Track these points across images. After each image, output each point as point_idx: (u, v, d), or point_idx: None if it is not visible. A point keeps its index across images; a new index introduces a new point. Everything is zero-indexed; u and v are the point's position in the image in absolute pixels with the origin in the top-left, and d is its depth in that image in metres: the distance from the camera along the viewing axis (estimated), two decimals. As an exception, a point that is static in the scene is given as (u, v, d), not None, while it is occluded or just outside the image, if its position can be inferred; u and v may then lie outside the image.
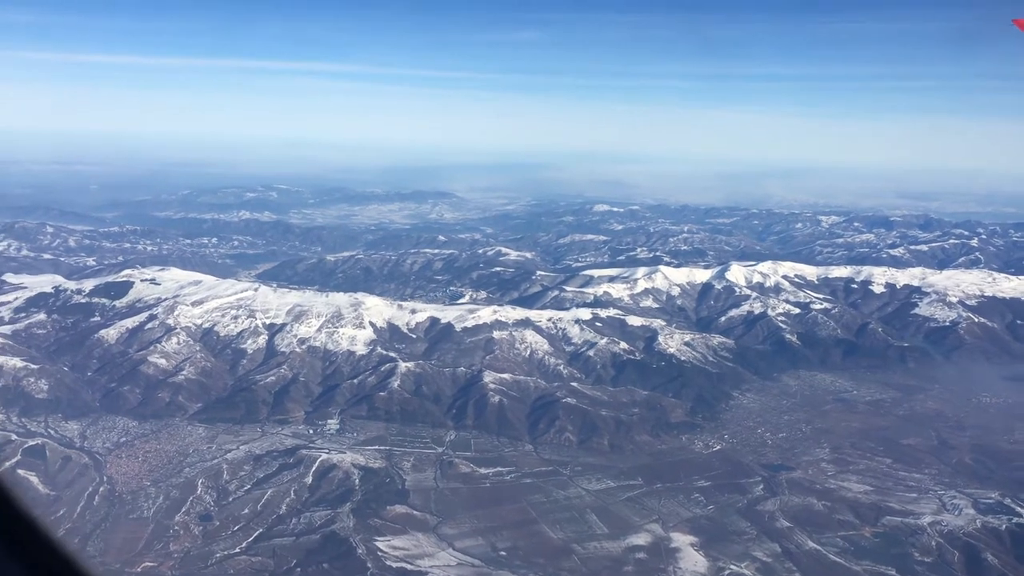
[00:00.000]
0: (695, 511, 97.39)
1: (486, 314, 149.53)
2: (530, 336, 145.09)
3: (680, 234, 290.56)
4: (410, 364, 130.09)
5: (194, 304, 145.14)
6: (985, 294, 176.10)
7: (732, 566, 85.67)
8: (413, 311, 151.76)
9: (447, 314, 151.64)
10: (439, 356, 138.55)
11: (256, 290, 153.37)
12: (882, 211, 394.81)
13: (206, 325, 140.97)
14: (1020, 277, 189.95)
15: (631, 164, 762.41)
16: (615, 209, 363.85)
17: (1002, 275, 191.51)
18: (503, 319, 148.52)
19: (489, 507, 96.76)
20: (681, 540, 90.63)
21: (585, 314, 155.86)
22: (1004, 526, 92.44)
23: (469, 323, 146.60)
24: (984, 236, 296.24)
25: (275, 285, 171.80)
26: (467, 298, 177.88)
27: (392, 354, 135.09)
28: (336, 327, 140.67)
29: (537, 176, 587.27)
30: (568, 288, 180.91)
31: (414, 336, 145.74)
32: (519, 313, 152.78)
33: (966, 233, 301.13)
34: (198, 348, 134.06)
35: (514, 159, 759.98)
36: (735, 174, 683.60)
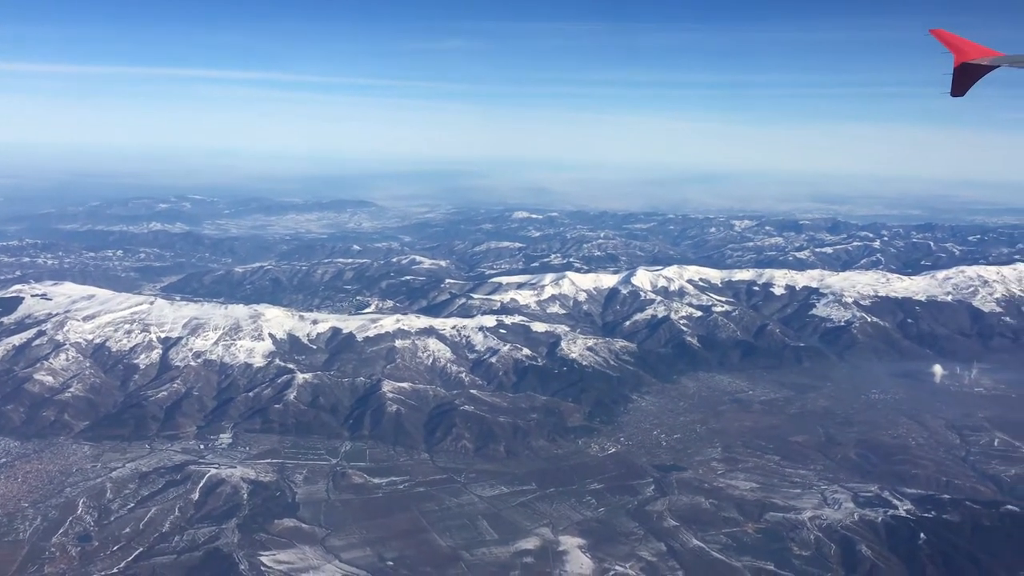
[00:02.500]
0: (586, 514, 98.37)
1: (389, 323, 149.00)
2: (433, 344, 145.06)
3: (595, 240, 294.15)
4: (308, 375, 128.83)
5: (86, 319, 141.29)
6: (879, 294, 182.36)
7: (617, 567, 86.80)
8: (315, 322, 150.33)
9: (349, 324, 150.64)
10: (339, 367, 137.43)
11: (152, 303, 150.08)
12: (793, 215, 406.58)
13: (97, 340, 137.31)
14: (912, 277, 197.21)
15: (556, 171, 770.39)
16: (534, 216, 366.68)
17: (895, 275, 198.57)
18: (406, 328, 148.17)
19: (380, 517, 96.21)
20: (569, 543, 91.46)
21: (490, 321, 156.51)
22: (880, 518, 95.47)
23: (371, 332, 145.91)
24: (887, 238, 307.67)
25: (178, 298, 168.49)
26: (373, 307, 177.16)
27: (290, 366, 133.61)
28: (234, 340, 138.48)
29: (460, 184, 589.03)
30: (476, 296, 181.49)
31: (315, 347, 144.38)
32: (423, 321, 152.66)
33: (870, 235, 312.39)
34: (88, 364, 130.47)
35: (438, 167, 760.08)
36: (657, 180, 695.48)
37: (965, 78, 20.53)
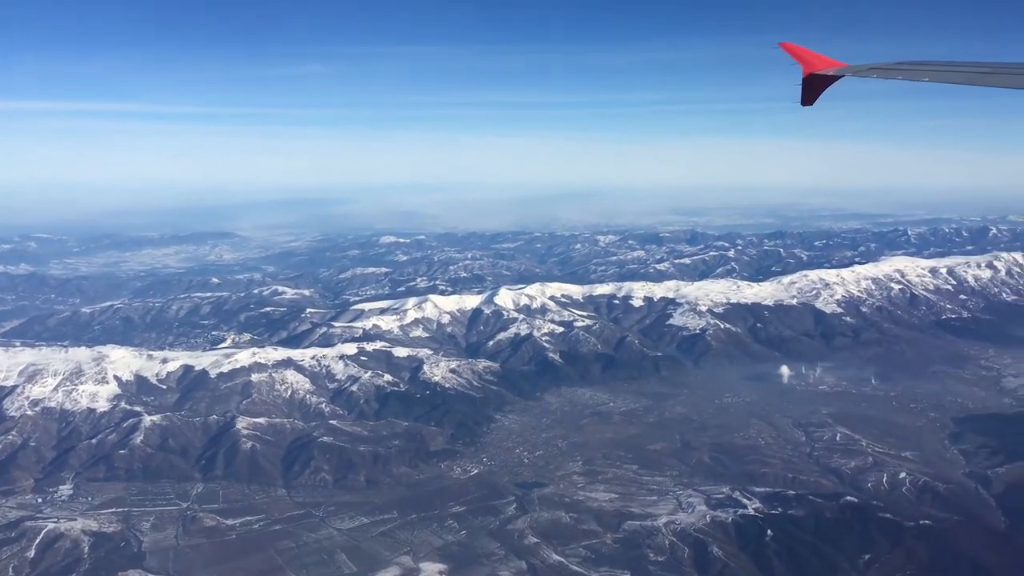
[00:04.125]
0: (447, 538, 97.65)
1: (244, 357, 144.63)
2: (291, 376, 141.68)
3: (463, 261, 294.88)
4: (156, 417, 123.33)
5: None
6: (730, 301, 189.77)
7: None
8: (165, 360, 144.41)
9: (202, 361, 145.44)
10: (191, 406, 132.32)
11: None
12: (655, 228, 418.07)
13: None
14: (761, 283, 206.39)
15: (424, 194, 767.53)
16: (401, 240, 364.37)
17: (745, 283, 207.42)
18: (262, 361, 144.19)
19: (233, 560, 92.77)
20: (430, 569, 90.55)
21: (351, 349, 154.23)
22: (730, 519, 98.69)
23: (225, 368, 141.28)
24: (741, 247, 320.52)
25: (18, 343, 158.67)
26: (229, 342, 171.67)
27: (137, 408, 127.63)
28: (75, 385, 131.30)
29: (327, 211, 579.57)
30: (337, 324, 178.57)
31: (165, 387, 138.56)
32: (280, 353, 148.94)
33: (726, 245, 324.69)
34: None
35: (304, 194, 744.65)
36: (525, 199, 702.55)
37: (813, 89, 21.53)
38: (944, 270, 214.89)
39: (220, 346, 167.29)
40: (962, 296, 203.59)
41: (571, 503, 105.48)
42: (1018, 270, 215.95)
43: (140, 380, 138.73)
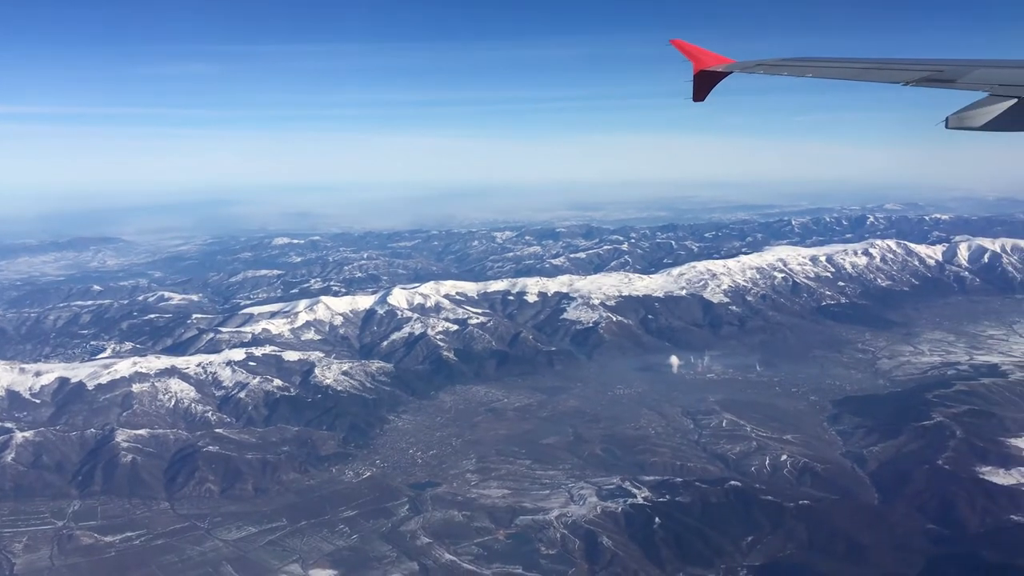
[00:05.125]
0: (338, 543, 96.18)
1: (124, 367, 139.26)
2: (175, 385, 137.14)
3: (358, 261, 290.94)
4: (29, 433, 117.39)
5: None
6: (622, 294, 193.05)
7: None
8: (38, 373, 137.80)
9: (80, 372, 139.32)
10: (68, 420, 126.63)
11: None
12: (552, 223, 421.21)
13: None
14: (652, 275, 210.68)
15: (320, 194, 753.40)
16: (295, 241, 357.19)
17: (637, 275, 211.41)
18: (144, 370, 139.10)
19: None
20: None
21: (239, 355, 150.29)
22: (620, 508, 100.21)
23: (104, 379, 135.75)
24: (634, 240, 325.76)
25: None
26: (109, 352, 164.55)
27: (8, 425, 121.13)
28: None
29: (218, 213, 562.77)
30: (225, 329, 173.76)
31: (39, 401, 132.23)
32: (164, 362, 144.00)
33: (620, 238, 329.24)
34: None
35: (193, 197, 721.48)
36: (422, 197, 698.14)
37: (704, 85, 22.05)
38: (824, 258, 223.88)
39: (100, 356, 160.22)
40: (840, 283, 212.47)
41: (464, 501, 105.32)
42: (891, 256, 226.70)
43: (12, 395, 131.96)
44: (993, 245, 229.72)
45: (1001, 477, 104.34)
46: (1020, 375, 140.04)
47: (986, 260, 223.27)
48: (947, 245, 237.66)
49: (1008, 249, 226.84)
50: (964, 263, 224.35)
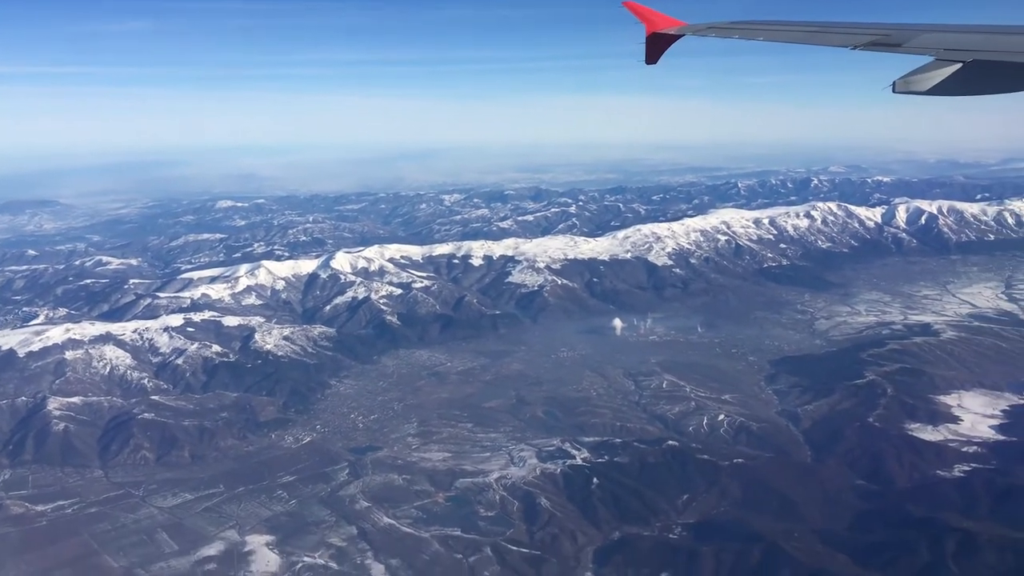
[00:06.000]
0: (276, 509, 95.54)
1: (57, 334, 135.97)
2: (110, 352, 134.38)
3: (303, 225, 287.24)
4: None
5: None
6: (568, 257, 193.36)
7: (306, 557, 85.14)
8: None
9: (10, 339, 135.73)
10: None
11: None
12: (501, 186, 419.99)
13: None
14: (598, 238, 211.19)
15: (266, 156, 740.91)
16: (239, 204, 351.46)
17: (582, 238, 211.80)
18: (78, 337, 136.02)
19: (43, 547, 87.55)
20: (256, 542, 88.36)
21: (177, 320, 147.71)
22: (559, 470, 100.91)
23: (36, 346, 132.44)
24: (583, 202, 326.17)
25: None
26: (42, 318, 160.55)
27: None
28: None
29: (160, 175, 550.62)
30: (163, 294, 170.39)
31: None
32: (99, 328, 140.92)
33: (568, 201, 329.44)
34: None
35: (134, 158, 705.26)
36: (370, 159, 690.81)
37: (656, 47, 21.95)
38: (767, 220, 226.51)
39: (32, 323, 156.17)
40: (782, 245, 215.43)
41: (404, 465, 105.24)
42: (832, 218, 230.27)
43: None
44: (930, 207, 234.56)
45: (929, 433, 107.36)
46: (951, 334, 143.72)
47: (923, 222, 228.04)
48: (886, 207, 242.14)
49: (944, 211, 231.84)
50: (902, 225, 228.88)
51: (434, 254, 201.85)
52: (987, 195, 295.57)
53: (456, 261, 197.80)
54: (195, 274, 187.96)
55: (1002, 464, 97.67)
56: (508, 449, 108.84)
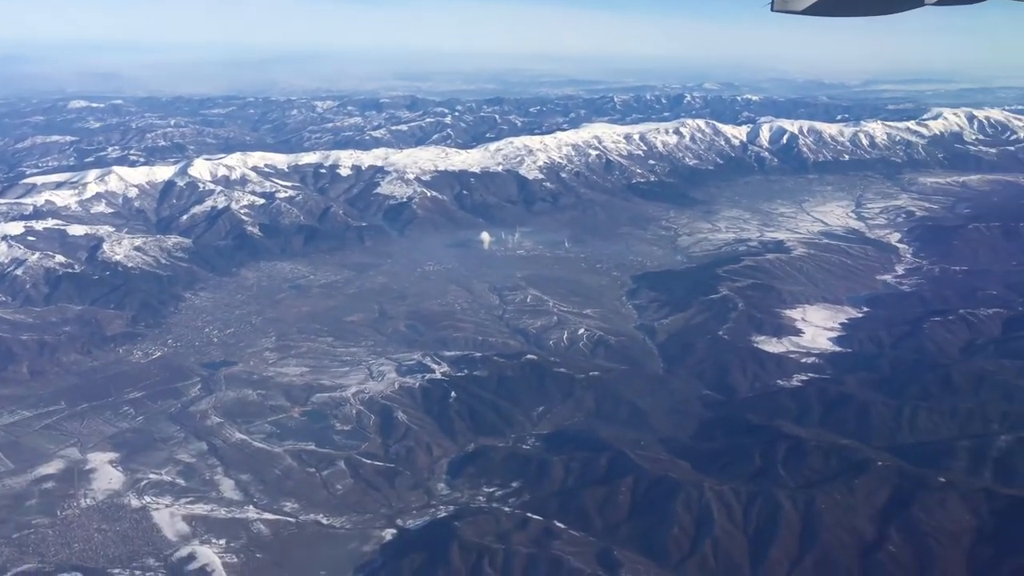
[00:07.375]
0: (121, 426, 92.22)
1: None
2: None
3: (163, 129, 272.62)
4: None
5: None
6: (438, 168, 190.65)
7: (151, 475, 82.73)
8: None
9: None
10: None
11: None
12: (377, 94, 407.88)
13: None
14: (469, 151, 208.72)
15: (129, 54, 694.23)
16: (95, 105, 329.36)
17: (454, 150, 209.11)
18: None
19: None
20: (99, 459, 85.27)
21: (16, 228, 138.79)
22: (418, 384, 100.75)
23: None
24: (459, 113, 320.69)
25: None
26: None
27: None
28: None
29: (7, 71, 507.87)
30: (2, 200, 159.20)
31: None
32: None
33: (444, 111, 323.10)
34: None
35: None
36: (241, 61, 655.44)
37: None
38: (637, 136, 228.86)
39: None
40: (651, 161, 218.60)
41: (260, 380, 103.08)
42: (700, 136, 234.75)
43: None
44: (792, 127, 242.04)
45: (773, 346, 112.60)
46: (802, 251, 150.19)
47: (784, 141, 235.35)
48: (752, 126, 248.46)
49: (805, 131, 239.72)
50: (765, 144, 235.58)
51: (300, 163, 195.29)
52: (847, 116, 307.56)
53: (323, 171, 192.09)
54: (40, 179, 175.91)
55: (836, 374, 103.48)
56: (368, 363, 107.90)
